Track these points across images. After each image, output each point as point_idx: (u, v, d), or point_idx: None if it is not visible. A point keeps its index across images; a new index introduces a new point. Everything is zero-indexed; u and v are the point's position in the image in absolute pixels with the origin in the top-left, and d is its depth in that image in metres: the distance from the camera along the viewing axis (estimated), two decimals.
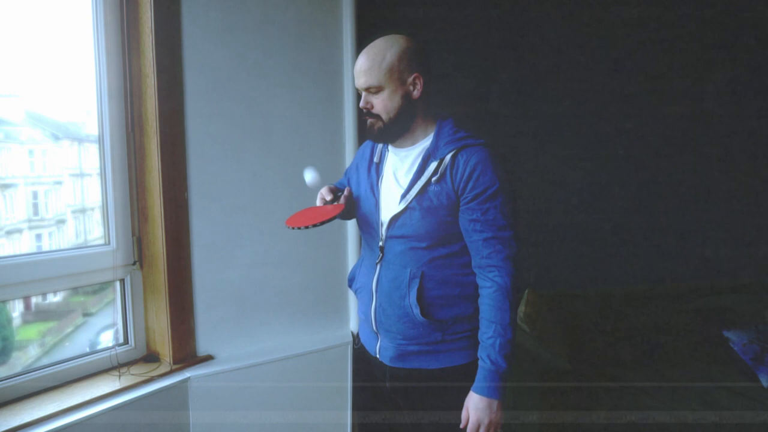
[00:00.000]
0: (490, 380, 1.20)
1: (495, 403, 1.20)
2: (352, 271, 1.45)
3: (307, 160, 2.09)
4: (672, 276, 2.90)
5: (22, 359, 1.72)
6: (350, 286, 1.46)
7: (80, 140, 1.84)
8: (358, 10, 2.12)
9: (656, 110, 2.89)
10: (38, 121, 1.76)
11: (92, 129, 1.75)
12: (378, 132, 1.28)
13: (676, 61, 2.89)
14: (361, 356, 1.47)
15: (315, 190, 1.43)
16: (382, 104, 1.25)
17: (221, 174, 1.89)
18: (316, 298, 2.14)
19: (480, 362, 1.22)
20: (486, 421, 1.20)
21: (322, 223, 1.25)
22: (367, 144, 1.45)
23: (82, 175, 1.85)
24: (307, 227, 1.25)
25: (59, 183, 1.80)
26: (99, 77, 1.72)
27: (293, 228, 1.28)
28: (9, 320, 1.69)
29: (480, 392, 1.21)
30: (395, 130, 1.28)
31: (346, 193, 1.37)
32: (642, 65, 2.84)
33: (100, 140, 1.74)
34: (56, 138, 1.81)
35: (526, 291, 2.38)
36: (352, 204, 1.39)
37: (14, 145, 1.69)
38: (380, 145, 1.38)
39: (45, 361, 1.70)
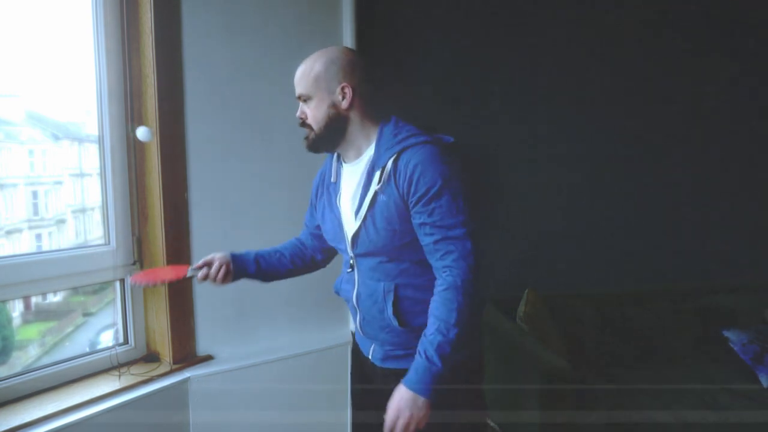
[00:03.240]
0: (421, 376, 1.14)
1: (421, 400, 1.13)
2: (336, 282, 1.45)
3: (307, 160, 2.09)
4: (672, 276, 2.90)
5: (22, 359, 1.73)
6: (339, 295, 1.46)
7: (80, 140, 1.84)
8: (358, 10, 2.12)
9: (656, 110, 2.89)
10: (38, 121, 1.76)
11: (92, 129, 1.75)
12: (311, 142, 1.29)
13: (675, 60, 2.89)
14: (355, 356, 1.48)
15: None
16: (311, 114, 1.26)
17: (221, 174, 1.89)
18: (315, 298, 2.14)
19: (417, 356, 1.16)
20: (406, 415, 1.13)
21: (157, 284, 1.37)
22: (324, 167, 1.45)
23: (82, 175, 1.85)
24: (144, 284, 1.35)
25: (59, 183, 1.80)
26: (99, 77, 1.72)
27: (136, 284, 1.36)
28: (9, 320, 1.69)
29: (408, 385, 1.15)
30: (326, 140, 1.28)
31: (213, 268, 1.39)
32: (641, 65, 2.84)
33: (100, 140, 1.74)
34: (56, 138, 1.81)
35: (526, 291, 2.37)
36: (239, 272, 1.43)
37: (14, 145, 1.70)
38: (335, 164, 1.37)
39: (45, 361, 1.70)
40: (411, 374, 1.16)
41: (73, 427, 1.49)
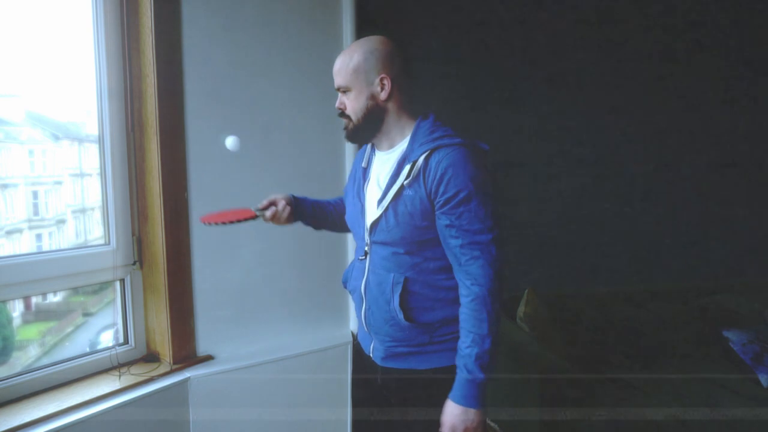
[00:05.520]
0: (467, 389, 1.16)
1: (472, 412, 1.16)
2: (345, 272, 1.46)
3: (307, 160, 2.10)
4: (672, 276, 2.90)
5: (22, 359, 1.73)
6: (345, 287, 1.47)
7: (80, 140, 1.84)
8: (358, 10, 2.12)
9: (656, 110, 2.89)
10: (38, 121, 1.76)
11: (92, 129, 1.75)
12: (349, 133, 1.31)
13: (675, 60, 2.89)
14: (358, 353, 1.48)
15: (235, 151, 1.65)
16: (350, 105, 1.27)
17: (221, 174, 1.89)
18: (315, 298, 2.14)
19: (457, 371, 1.18)
20: (461, 428, 1.17)
21: (225, 223, 1.35)
22: (361, 151, 1.46)
23: (82, 175, 1.85)
24: (213, 224, 1.36)
25: (59, 183, 1.80)
26: (99, 77, 1.72)
27: (205, 224, 1.39)
28: (9, 320, 1.69)
29: (456, 401, 1.17)
30: (364, 131, 1.30)
31: (279, 207, 1.41)
32: (642, 66, 2.85)
33: (100, 140, 1.74)
34: (56, 138, 1.81)
35: (526, 291, 2.37)
36: (296, 214, 1.45)
37: (14, 145, 1.70)
38: (369, 150, 1.39)
39: (45, 361, 1.70)
40: (456, 389, 1.18)
41: (73, 427, 1.49)
